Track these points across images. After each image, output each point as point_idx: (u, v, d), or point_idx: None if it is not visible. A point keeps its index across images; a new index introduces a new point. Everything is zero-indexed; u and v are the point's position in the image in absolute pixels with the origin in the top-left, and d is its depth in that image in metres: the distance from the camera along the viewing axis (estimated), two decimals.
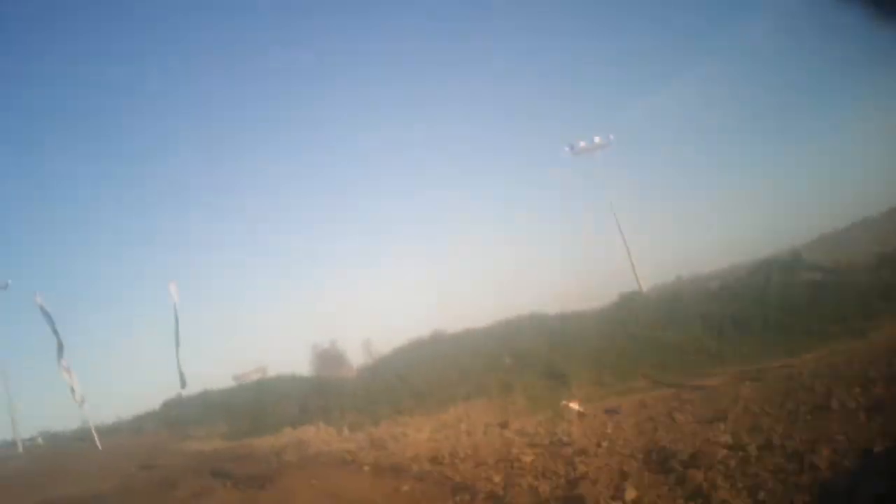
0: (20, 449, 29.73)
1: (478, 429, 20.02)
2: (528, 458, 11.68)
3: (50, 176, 72.97)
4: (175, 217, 76.40)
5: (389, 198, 75.55)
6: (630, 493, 8.76)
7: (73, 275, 69.66)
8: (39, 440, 30.17)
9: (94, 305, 71.07)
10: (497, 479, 10.71)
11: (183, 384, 25.95)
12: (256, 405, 27.47)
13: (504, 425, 17.15)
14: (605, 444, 12.17)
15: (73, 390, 25.22)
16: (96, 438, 25.59)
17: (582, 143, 35.90)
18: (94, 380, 61.23)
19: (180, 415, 28.72)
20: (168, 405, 30.38)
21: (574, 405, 18.99)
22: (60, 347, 24.81)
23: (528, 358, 27.73)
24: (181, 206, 76.95)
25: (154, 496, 13.93)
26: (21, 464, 25.43)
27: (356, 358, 36.28)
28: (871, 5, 2.48)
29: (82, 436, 26.69)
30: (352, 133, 76.60)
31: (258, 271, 72.82)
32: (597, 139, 35.77)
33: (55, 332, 24.90)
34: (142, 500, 14.32)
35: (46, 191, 72.34)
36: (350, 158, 73.83)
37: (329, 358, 37.73)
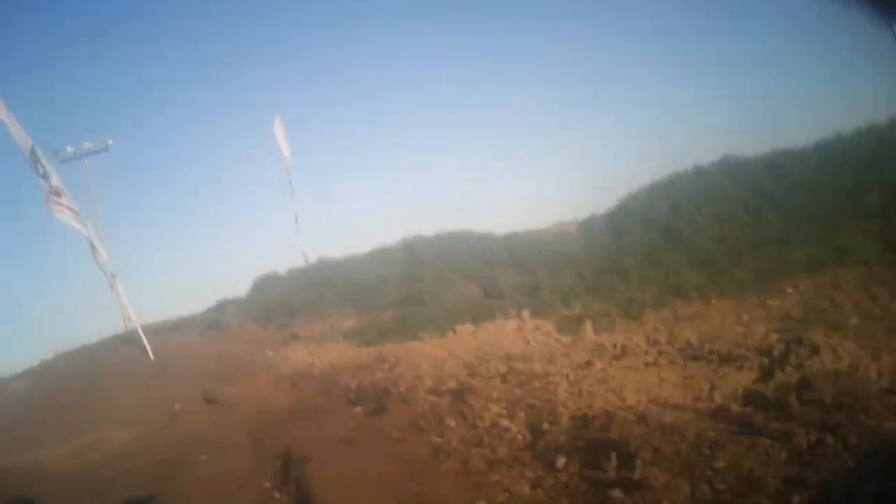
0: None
1: None
2: None
3: None
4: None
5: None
6: None
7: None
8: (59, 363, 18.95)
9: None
10: None
11: (305, 258, 19.94)
12: (406, 280, 15.64)
13: None
14: None
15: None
16: (145, 342, 15.17)
17: None
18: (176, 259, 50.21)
19: (283, 300, 17.72)
20: (260, 285, 19.33)
21: None
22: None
23: None
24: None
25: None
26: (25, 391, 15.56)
27: None
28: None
29: (130, 336, 16.36)
30: None
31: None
32: None
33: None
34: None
35: None
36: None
37: None
